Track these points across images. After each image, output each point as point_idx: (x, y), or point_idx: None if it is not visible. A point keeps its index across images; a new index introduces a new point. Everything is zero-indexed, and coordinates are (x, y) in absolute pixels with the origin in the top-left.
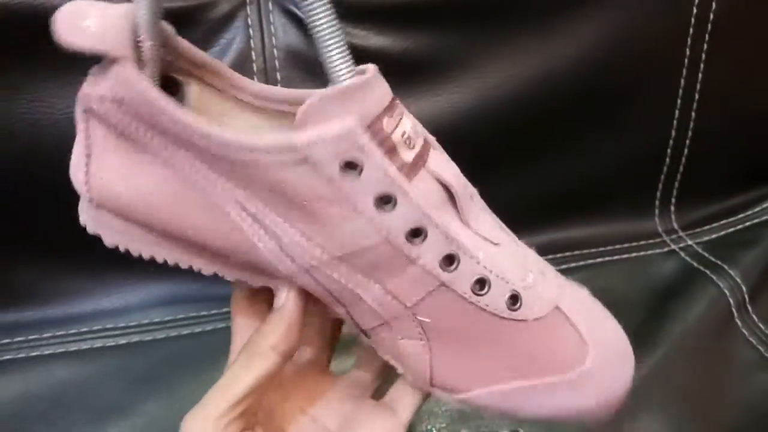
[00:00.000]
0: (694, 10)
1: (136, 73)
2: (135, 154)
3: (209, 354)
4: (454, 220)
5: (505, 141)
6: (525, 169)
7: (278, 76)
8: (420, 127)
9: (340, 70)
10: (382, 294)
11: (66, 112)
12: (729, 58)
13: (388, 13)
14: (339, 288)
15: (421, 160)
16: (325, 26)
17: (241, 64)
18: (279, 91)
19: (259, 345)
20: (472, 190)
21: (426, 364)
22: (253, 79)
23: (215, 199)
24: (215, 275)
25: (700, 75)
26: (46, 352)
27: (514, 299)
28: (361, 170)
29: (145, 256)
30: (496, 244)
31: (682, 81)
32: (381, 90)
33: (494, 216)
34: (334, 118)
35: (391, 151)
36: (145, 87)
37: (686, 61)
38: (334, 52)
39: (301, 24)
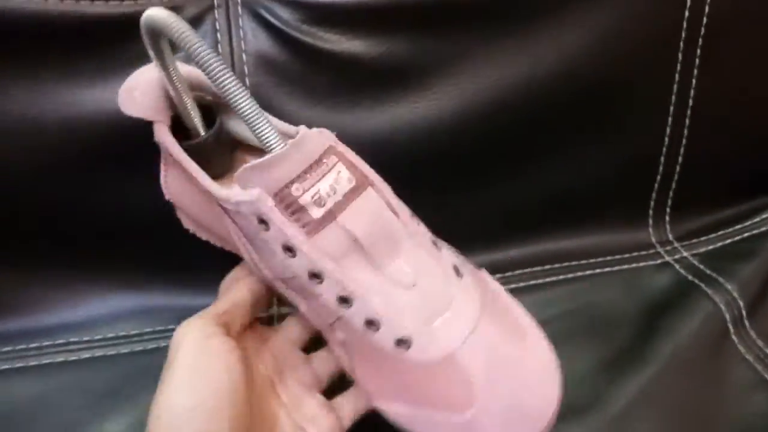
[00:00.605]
0: (686, 13)
1: (165, 132)
2: (181, 179)
3: None
4: (358, 266)
5: (488, 149)
6: (510, 178)
7: (248, 81)
8: (345, 180)
9: (269, 142)
10: (311, 309)
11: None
12: (724, 62)
13: (361, 16)
14: (290, 297)
15: (331, 215)
16: (247, 108)
17: None
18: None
19: (238, 287)
20: (408, 231)
21: (351, 369)
22: None
23: (222, 217)
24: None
25: (693, 81)
26: (4, 367)
27: (401, 342)
28: (268, 227)
29: (200, 236)
30: (409, 287)
31: (675, 86)
32: (300, 156)
33: (437, 251)
34: (252, 185)
35: (297, 211)
36: (169, 144)
37: (678, 65)
38: (260, 129)
39: (272, 29)
